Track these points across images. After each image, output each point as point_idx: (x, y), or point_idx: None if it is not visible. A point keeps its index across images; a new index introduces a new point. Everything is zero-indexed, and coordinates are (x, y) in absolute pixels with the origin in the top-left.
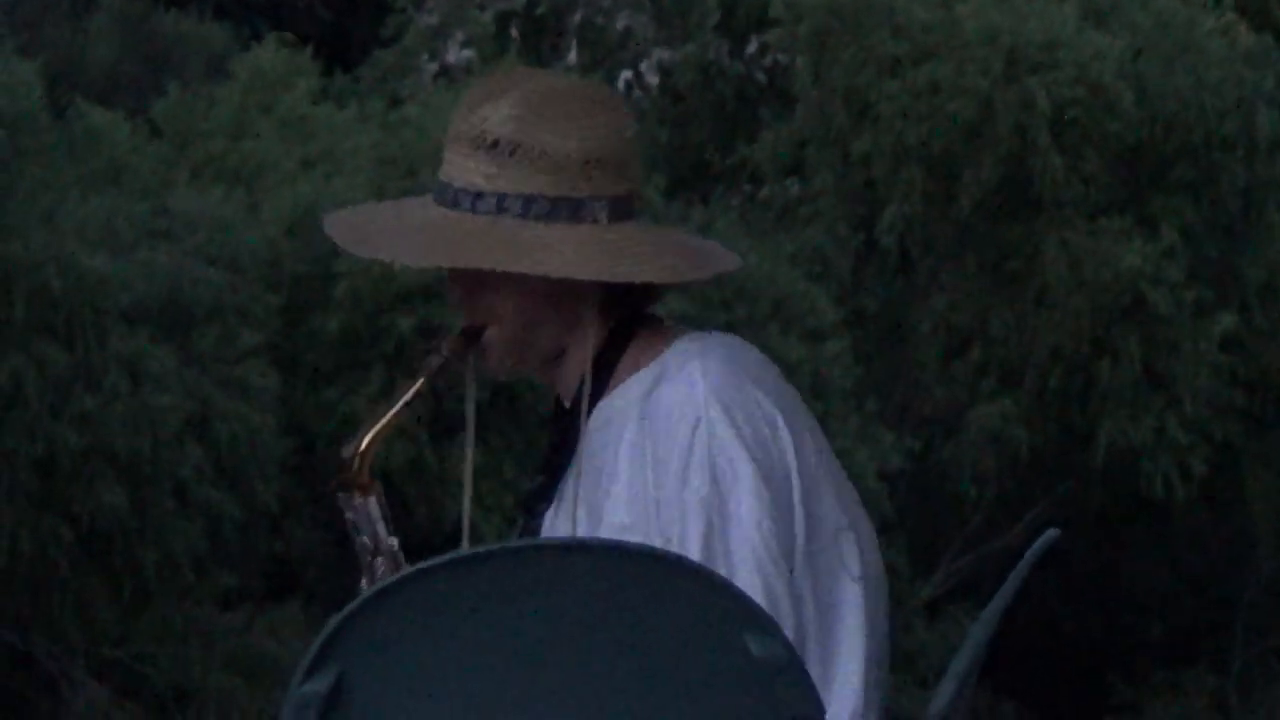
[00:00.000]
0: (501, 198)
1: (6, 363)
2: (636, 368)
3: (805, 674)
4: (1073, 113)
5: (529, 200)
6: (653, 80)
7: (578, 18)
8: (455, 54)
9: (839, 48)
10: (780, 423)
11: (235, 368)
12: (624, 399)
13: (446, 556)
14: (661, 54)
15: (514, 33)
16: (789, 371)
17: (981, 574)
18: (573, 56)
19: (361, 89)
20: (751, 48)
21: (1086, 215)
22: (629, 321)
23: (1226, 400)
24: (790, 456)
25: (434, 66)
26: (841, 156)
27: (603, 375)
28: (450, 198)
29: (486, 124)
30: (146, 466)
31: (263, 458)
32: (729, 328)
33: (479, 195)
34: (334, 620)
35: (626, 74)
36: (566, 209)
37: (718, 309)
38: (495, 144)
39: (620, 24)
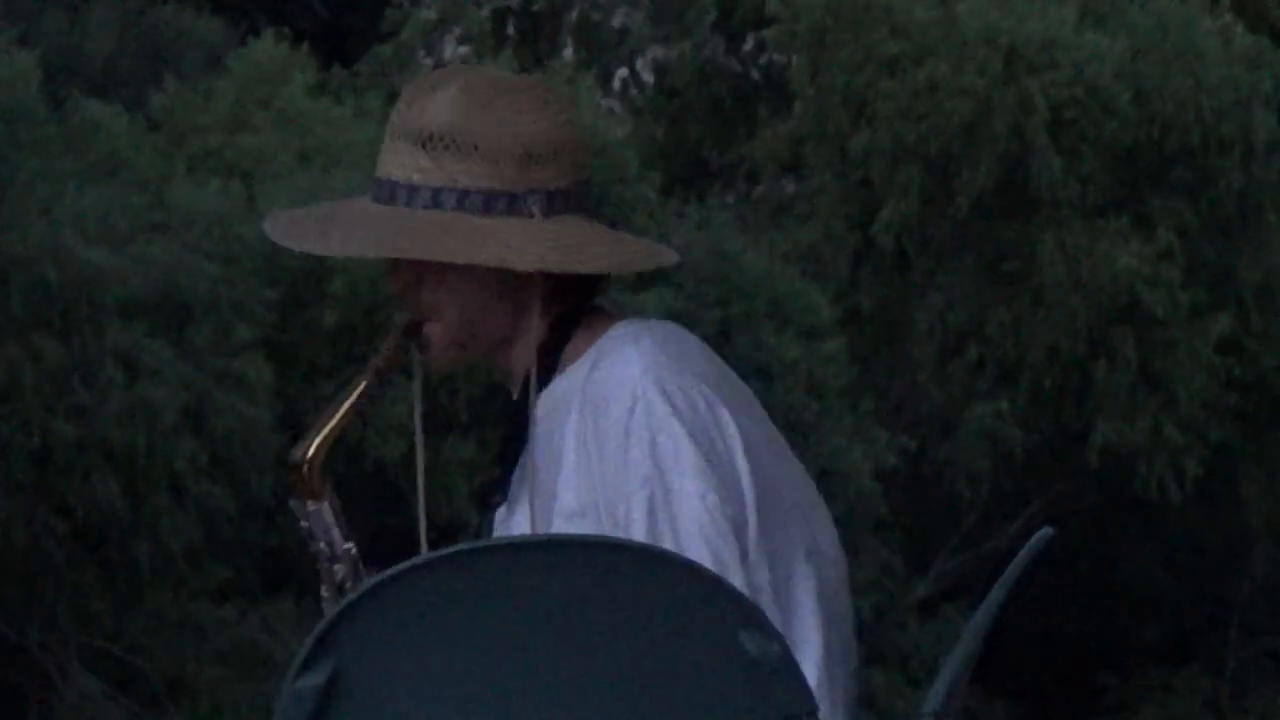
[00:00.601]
0: (437, 191)
1: (2, 355)
2: (578, 354)
3: (800, 672)
4: (1071, 113)
5: (464, 194)
6: (649, 78)
7: (574, 15)
8: (452, 50)
9: (837, 46)
10: (719, 403)
11: (231, 361)
12: (566, 385)
13: (442, 551)
14: (658, 51)
15: (510, 29)
16: (784, 370)
17: (976, 573)
18: (568, 53)
19: (359, 84)
20: (748, 45)
21: (1084, 216)
22: (573, 312)
23: (1222, 402)
24: (733, 436)
25: (431, 62)
26: (839, 155)
27: (548, 365)
28: (387, 193)
29: (423, 118)
30: (141, 459)
31: (258, 451)
32: (724, 325)
33: (414, 189)
34: (330, 615)
35: (622, 71)
36: (502, 202)
37: (713, 307)
38: (430, 137)
39: (616, 21)
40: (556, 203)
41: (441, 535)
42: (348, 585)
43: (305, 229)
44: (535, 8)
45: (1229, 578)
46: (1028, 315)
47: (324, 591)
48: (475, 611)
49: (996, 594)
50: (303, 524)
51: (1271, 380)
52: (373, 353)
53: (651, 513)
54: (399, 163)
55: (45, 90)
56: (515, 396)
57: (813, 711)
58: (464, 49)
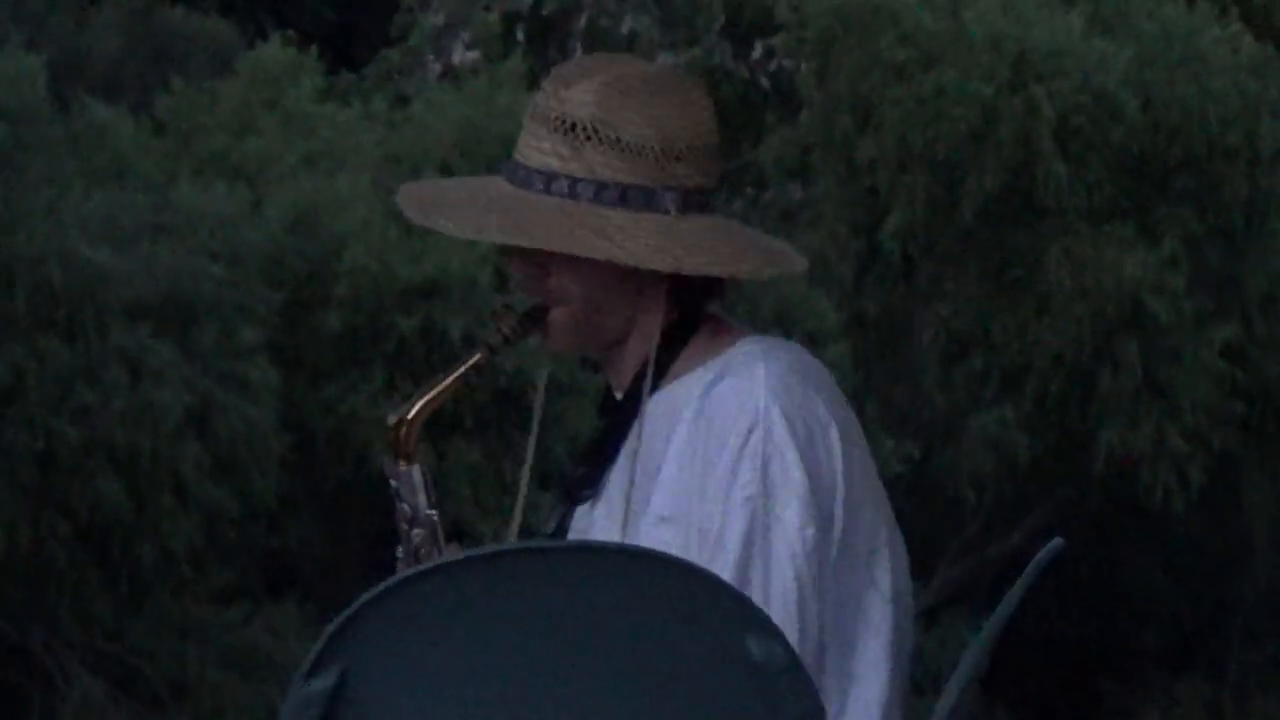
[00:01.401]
0: (574, 181)
1: (7, 356)
2: (698, 362)
3: (806, 676)
4: (1077, 120)
5: (602, 186)
6: None
7: (584, 20)
8: (460, 54)
9: (844, 53)
10: (834, 433)
11: (236, 364)
12: (682, 392)
13: (447, 558)
14: (666, 57)
15: (519, 34)
16: None
17: (979, 580)
18: (573, 60)
19: (366, 87)
20: (756, 52)
21: (1089, 223)
22: (692, 316)
23: (1226, 410)
24: (839, 467)
25: (439, 66)
26: (845, 161)
27: (661, 367)
28: (522, 177)
29: (566, 106)
30: (145, 461)
31: (262, 454)
32: None
33: (553, 177)
34: (338, 618)
35: None
36: (639, 197)
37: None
38: (573, 127)
39: (626, 27)
40: (692, 201)
41: (448, 541)
42: (423, 551)
43: (440, 208)
44: (545, 12)
45: (1231, 584)
46: (1032, 322)
47: (399, 553)
48: (483, 616)
49: (1006, 606)
50: (392, 483)
51: (1275, 388)
52: (490, 330)
53: (749, 533)
54: (538, 148)
55: (51, 92)
56: (620, 395)
57: (819, 717)
58: (472, 53)
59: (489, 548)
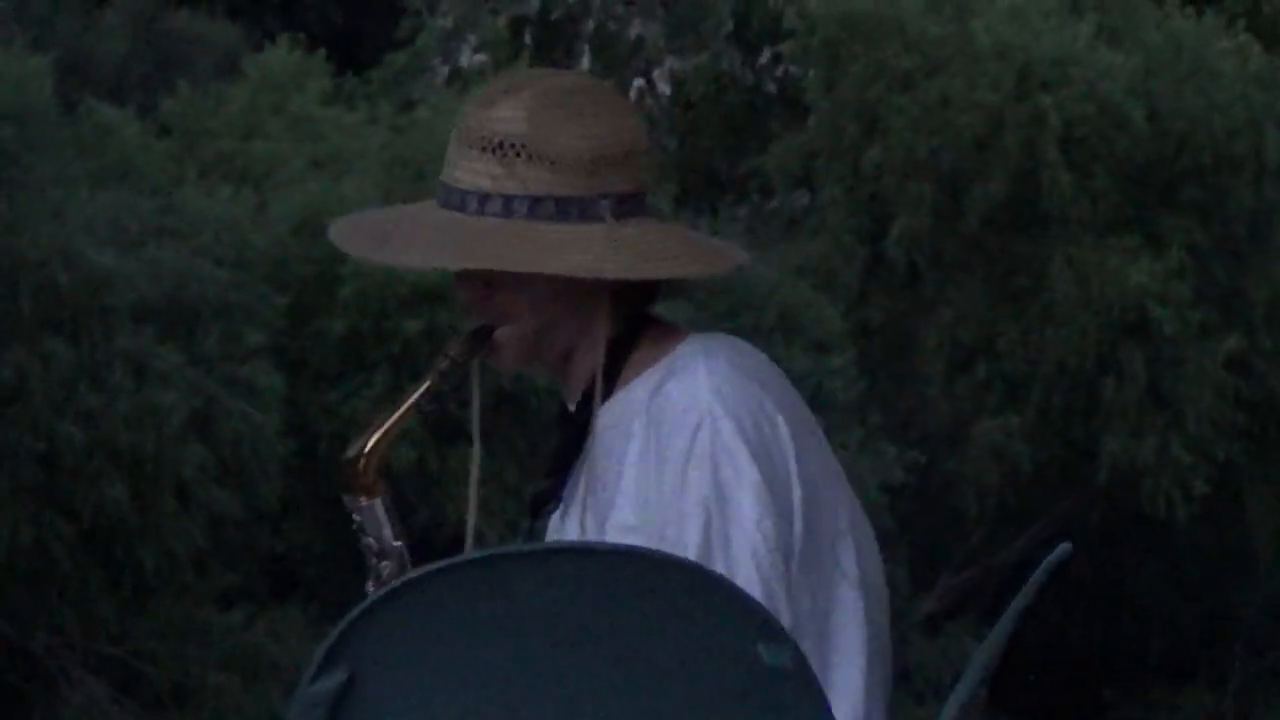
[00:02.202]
0: (509, 199)
1: (11, 357)
2: (643, 369)
3: (816, 683)
4: (1083, 130)
5: (536, 201)
6: (664, 89)
7: (591, 25)
8: (468, 58)
9: (851, 60)
10: (782, 425)
11: (240, 367)
12: (631, 399)
13: (458, 559)
14: (674, 63)
15: (527, 38)
16: (793, 382)
17: (982, 589)
18: (585, 63)
19: (373, 91)
20: (764, 58)
21: (1094, 233)
22: (636, 321)
23: (1230, 420)
24: (792, 460)
25: (446, 70)
26: (851, 169)
27: (610, 376)
28: (457, 201)
29: (493, 125)
30: (149, 464)
31: (266, 458)
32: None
33: (486, 197)
34: (344, 620)
35: (639, 82)
36: (575, 209)
37: (723, 318)
38: (501, 145)
39: (633, 32)
40: (628, 206)
41: (450, 545)
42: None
43: (374, 237)
44: (553, 17)
45: (1234, 595)
46: (1037, 331)
47: (369, 587)
48: (490, 618)
49: (1014, 609)
50: (355, 518)
51: (1279, 399)
52: (439, 356)
53: (706, 534)
54: (469, 169)
55: (58, 94)
56: (573, 407)
57: None
58: (480, 57)
59: (497, 549)
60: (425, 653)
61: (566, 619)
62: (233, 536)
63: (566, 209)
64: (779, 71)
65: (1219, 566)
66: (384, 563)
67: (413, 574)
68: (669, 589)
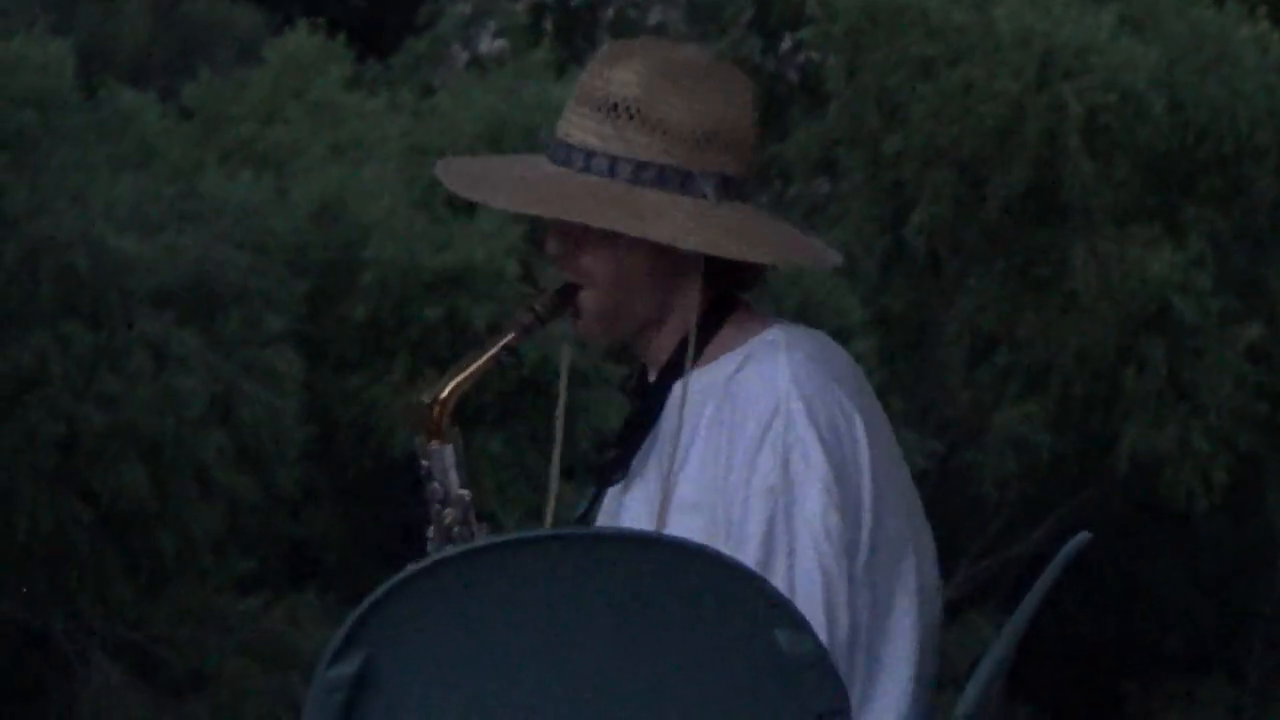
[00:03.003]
0: (614, 160)
1: (31, 341)
2: (726, 349)
3: (834, 669)
4: (1104, 119)
5: (641, 166)
6: None
7: (611, 11)
8: (487, 44)
9: (872, 47)
10: (858, 424)
11: (260, 352)
12: (710, 378)
13: (470, 545)
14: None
15: (547, 24)
16: None
17: (1001, 578)
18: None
19: (393, 77)
20: (784, 45)
21: (1115, 222)
22: (724, 302)
23: (1250, 411)
24: (864, 460)
25: (466, 56)
26: (872, 156)
27: (697, 352)
28: (562, 155)
29: (610, 86)
30: (168, 449)
31: (285, 443)
32: None
33: (591, 154)
34: (363, 604)
35: None
36: (676, 179)
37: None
38: (615, 107)
39: (653, 19)
40: (730, 188)
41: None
42: (455, 531)
43: (479, 180)
44: (573, 3)
45: (1253, 586)
46: (1057, 320)
47: (430, 533)
48: (507, 604)
49: (1033, 598)
50: (423, 463)
51: None
52: (521, 310)
53: (771, 522)
54: (580, 126)
55: (79, 79)
56: (653, 379)
57: (845, 711)
58: (500, 43)
59: (516, 534)
60: (441, 637)
61: (583, 604)
62: (251, 522)
63: (668, 178)
64: (799, 59)
65: (1238, 558)
66: (447, 509)
67: (428, 560)
68: (687, 575)
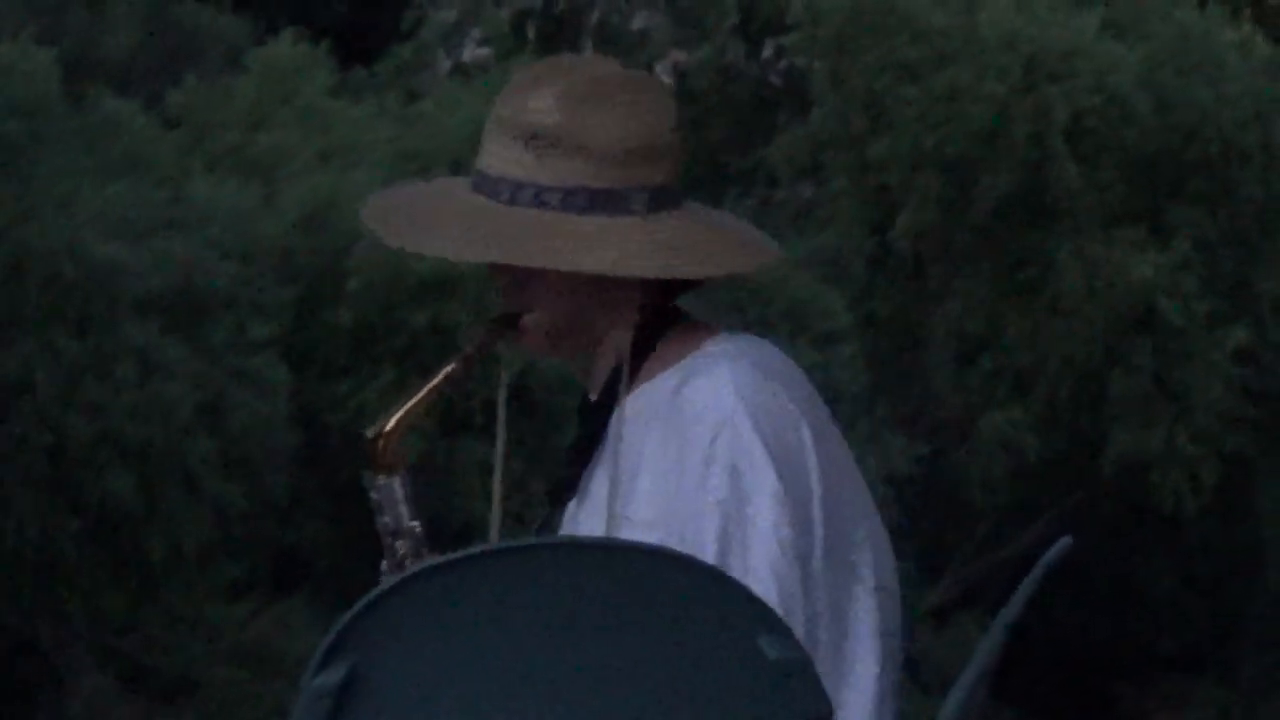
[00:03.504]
0: (540, 190)
1: (18, 350)
2: (668, 364)
3: (817, 676)
4: (1090, 122)
5: (569, 193)
6: (669, 81)
7: (595, 17)
8: (471, 51)
9: (857, 52)
10: (805, 429)
11: (247, 359)
12: (653, 394)
13: (457, 554)
14: (678, 55)
15: (530, 32)
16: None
17: (989, 581)
18: (589, 56)
19: (378, 83)
20: (768, 51)
21: (1101, 225)
22: (662, 315)
23: (1237, 412)
24: (812, 464)
25: (450, 63)
26: (857, 160)
27: (635, 368)
28: (489, 187)
29: (528, 114)
30: (156, 456)
31: (272, 450)
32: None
33: (518, 186)
34: (348, 613)
35: None
36: (606, 201)
37: (729, 311)
38: (535, 135)
39: (637, 24)
40: (661, 200)
41: (457, 537)
42: (408, 562)
43: (405, 222)
44: (556, 10)
45: (1243, 588)
46: (1044, 323)
47: (384, 566)
48: (493, 612)
49: (1016, 604)
50: (372, 496)
51: None
52: (464, 339)
53: (723, 537)
54: (502, 156)
55: (65, 86)
56: (595, 397)
57: (828, 716)
58: (484, 50)
59: (500, 543)
60: (428, 646)
61: (568, 613)
62: (239, 529)
63: (598, 201)
64: (784, 63)
65: (1228, 560)
66: (399, 542)
67: (414, 568)
68: (669, 583)
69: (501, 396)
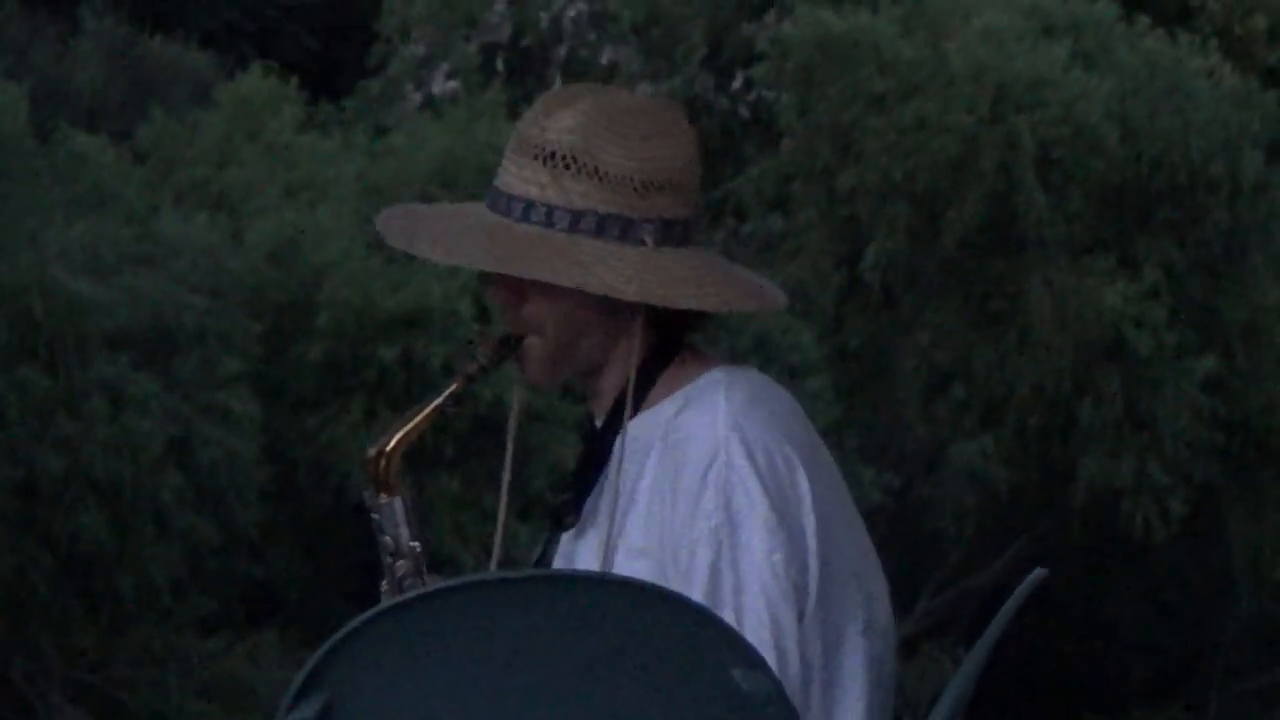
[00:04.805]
0: (551, 210)
1: None
2: (668, 393)
3: (791, 707)
4: (1058, 152)
5: (579, 215)
6: None
7: (563, 50)
8: (440, 85)
9: (825, 83)
10: (798, 464)
11: (217, 394)
12: (652, 422)
13: (429, 588)
14: (647, 88)
15: (499, 65)
16: None
17: (960, 611)
18: (557, 89)
19: (346, 118)
20: (737, 83)
21: (1070, 254)
22: (669, 345)
23: (1207, 441)
24: (806, 499)
25: (419, 97)
26: (826, 192)
27: (638, 396)
28: (502, 205)
29: (547, 134)
30: (127, 491)
31: (243, 484)
32: None
33: (530, 205)
34: (324, 646)
35: None
36: (615, 227)
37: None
38: (553, 155)
39: (605, 57)
40: (672, 233)
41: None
42: (407, 583)
43: (417, 232)
44: (525, 43)
45: (1213, 617)
46: (1013, 353)
47: (383, 585)
48: (468, 645)
49: (990, 634)
50: (373, 516)
51: (1256, 420)
52: (466, 359)
53: (716, 565)
54: (518, 175)
55: (33, 122)
56: (599, 423)
57: None
58: (452, 84)
59: (473, 576)
60: (402, 680)
61: (542, 645)
62: (211, 563)
63: (608, 227)
64: (752, 95)
65: (1198, 588)
66: (399, 562)
67: (387, 602)
68: (645, 616)
69: (512, 424)
